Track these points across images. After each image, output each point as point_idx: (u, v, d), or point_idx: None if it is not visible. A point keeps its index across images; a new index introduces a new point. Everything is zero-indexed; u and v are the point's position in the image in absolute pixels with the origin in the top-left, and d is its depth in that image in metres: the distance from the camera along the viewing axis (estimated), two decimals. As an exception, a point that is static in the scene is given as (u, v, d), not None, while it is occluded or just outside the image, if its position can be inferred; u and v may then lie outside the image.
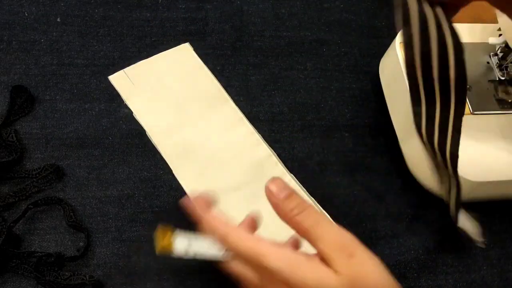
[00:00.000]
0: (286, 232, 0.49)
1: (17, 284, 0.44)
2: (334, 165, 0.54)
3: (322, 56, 0.61)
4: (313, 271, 0.30)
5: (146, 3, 0.60)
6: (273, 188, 0.32)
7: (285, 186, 0.32)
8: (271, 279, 0.31)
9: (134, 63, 0.56)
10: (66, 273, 0.44)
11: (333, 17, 0.63)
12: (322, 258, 0.31)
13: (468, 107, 0.51)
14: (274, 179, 0.33)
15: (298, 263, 0.30)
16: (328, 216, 0.50)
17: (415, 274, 0.49)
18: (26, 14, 0.57)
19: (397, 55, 0.52)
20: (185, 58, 0.57)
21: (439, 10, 0.27)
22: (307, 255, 0.31)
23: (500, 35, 0.52)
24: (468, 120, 0.50)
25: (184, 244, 0.36)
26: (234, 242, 0.32)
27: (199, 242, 0.36)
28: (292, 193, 0.32)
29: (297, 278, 0.29)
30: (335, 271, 0.30)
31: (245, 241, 0.32)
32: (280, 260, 0.30)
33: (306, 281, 0.29)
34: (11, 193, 0.47)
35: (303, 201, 0.32)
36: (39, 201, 0.47)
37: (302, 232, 0.31)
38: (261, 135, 0.54)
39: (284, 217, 0.32)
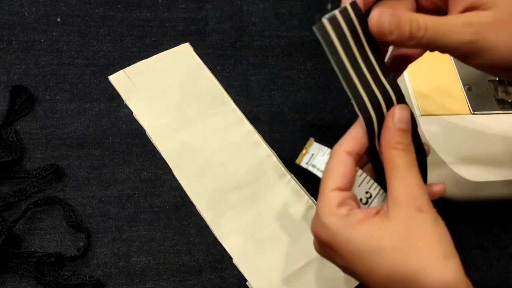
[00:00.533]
0: (285, 234, 0.49)
1: (17, 284, 0.44)
2: (334, 165, 0.54)
3: (322, 56, 0.60)
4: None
5: (146, 3, 0.60)
6: (397, 114, 0.31)
7: (408, 121, 0.31)
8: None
9: (134, 63, 0.56)
10: (66, 273, 0.44)
11: (333, 17, 0.63)
12: (390, 201, 0.30)
13: (468, 107, 0.51)
14: (404, 108, 0.31)
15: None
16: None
17: (415, 274, 0.49)
18: (26, 14, 0.57)
19: (397, 55, 0.52)
20: (185, 58, 0.57)
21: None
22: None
23: (500, 35, 0.52)
24: (468, 120, 0.50)
25: (308, 157, 0.35)
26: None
27: (321, 157, 0.34)
28: (408, 130, 0.31)
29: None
30: (394, 220, 0.29)
31: None
32: None
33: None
34: (11, 193, 0.47)
35: (411, 143, 0.31)
36: (39, 201, 0.47)
37: (389, 166, 0.30)
38: (261, 135, 0.54)
39: (384, 143, 0.31)
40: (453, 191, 0.50)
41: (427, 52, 0.54)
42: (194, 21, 0.60)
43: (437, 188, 0.34)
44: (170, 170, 0.51)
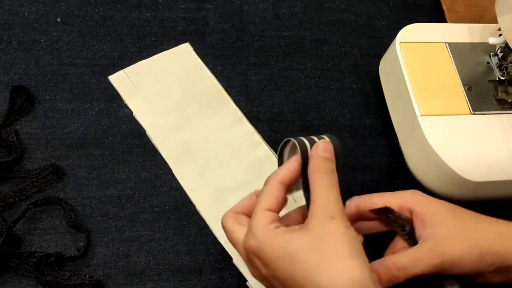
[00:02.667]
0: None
1: (17, 284, 0.44)
2: (334, 165, 0.54)
3: (322, 56, 0.61)
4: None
5: (146, 3, 0.60)
6: (321, 146, 0.37)
7: (331, 152, 0.37)
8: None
9: (134, 63, 0.56)
10: (66, 273, 0.44)
11: (333, 17, 0.63)
12: (309, 215, 0.35)
13: (468, 107, 0.51)
14: (328, 143, 0.37)
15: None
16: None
17: (415, 274, 0.49)
18: (26, 14, 0.57)
19: (397, 55, 0.52)
20: (185, 58, 0.57)
21: None
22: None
23: (500, 35, 0.52)
24: (468, 120, 0.50)
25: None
26: None
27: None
28: (331, 159, 0.36)
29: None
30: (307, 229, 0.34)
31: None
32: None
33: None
34: (11, 193, 0.47)
35: (334, 169, 0.36)
36: (39, 201, 0.47)
37: (313, 187, 0.35)
38: (261, 135, 0.54)
39: (311, 169, 0.36)
40: (453, 191, 0.50)
41: (427, 52, 0.54)
42: (194, 21, 0.60)
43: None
44: (170, 170, 0.51)
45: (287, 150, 0.39)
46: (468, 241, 0.38)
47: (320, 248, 0.32)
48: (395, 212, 0.40)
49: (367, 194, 0.42)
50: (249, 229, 0.35)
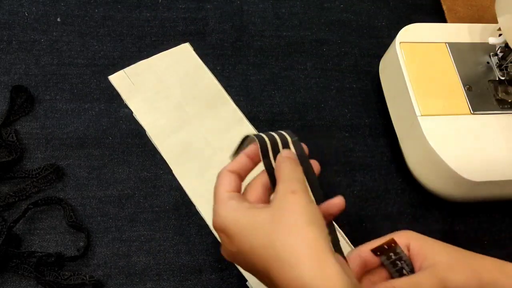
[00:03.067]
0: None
1: (17, 284, 0.44)
2: (334, 165, 0.54)
3: (322, 56, 0.61)
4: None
5: (146, 3, 0.60)
6: (286, 153, 0.38)
7: (297, 162, 0.38)
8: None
9: (134, 63, 0.56)
10: (66, 273, 0.44)
11: (333, 17, 0.63)
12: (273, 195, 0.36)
13: (468, 107, 0.51)
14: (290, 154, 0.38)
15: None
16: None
17: (415, 274, 0.49)
18: (26, 14, 0.57)
19: (397, 55, 0.52)
20: (185, 58, 0.57)
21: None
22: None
23: (500, 35, 0.52)
24: (468, 120, 0.50)
25: None
26: None
27: None
28: (297, 162, 0.38)
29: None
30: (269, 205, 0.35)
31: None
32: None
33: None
34: (11, 193, 0.47)
35: (298, 162, 0.38)
36: (39, 201, 0.47)
37: (278, 173, 0.36)
38: (261, 135, 0.54)
39: (278, 159, 0.37)
40: (452, 191, 0.50)
41: (427, 52, 0.54)
42: (194, 21, 0.60)
43: (336, 200, 0.39)
44: (170, 170, 0.51)
45: (244, 145, 0.40)
46: (469, 270, 0.38)
47: (279, 218, 0.33)
48: (398, 247, 0.40)
49: (365, 243, 0.41)
50: (214, 211, 0.36)
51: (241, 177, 0.38)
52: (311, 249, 0.31)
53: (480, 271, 0.38)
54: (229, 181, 0.37)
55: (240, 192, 0.38)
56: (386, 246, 0.40)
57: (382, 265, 0.41)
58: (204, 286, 0.46)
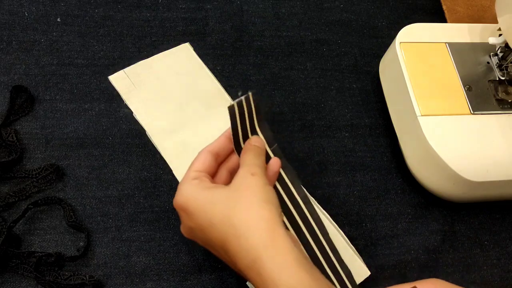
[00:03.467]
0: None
1: (17, 284, 0.44)
2: (334, 165, 0.54)
3: (322, 56, 0.61)
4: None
5: (146, 3, 0.60)
6: (254, 140, 0.42)
7: (262, 143, 0.42)
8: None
9: (134, 63, 0.56)
10: (66, 273, 0.44)
11: (333, 17, 0.63)
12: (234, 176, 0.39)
13: (468, 107, 0.51)
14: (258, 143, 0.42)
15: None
16: (328, 217, 0.50)
17: (415, 274, 0.49)
18: (26, 14, 0.57)
19: (397, 55, 0.52)
20: (185, 58, 0.57)
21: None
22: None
23: (500, 35, 0.52)
24: (468, 120, 0.50)
25: None
26: None
27: None
28: (262, 147, 0.41)
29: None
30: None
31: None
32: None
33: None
34: (11, 193, 0.47)
35: (263, 151, 0.41)
36: (39, 201, 0.47)
37: (242, 159, 0.40)
38: (261, 135, 0.54)
39: (245, 145, 0.41)
40: (452, 191, 0.50)
41: (427, 52, 0.54)
42: (194, 21, 0.60)
43: (272, 162, 0.42)
44: (170, 170, 0.51)
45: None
46: None
47: (238, 195, 0.36)
48: None
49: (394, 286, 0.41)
50: (177, 190, 0.39)
51: (220, 157, 0.41)
52: (265, 223, 0.34)
53: None
54: (203, 161, 0.39)
55: (213, 172, 0.41)
56: None
57: None
58: (204, 286, 0.46)
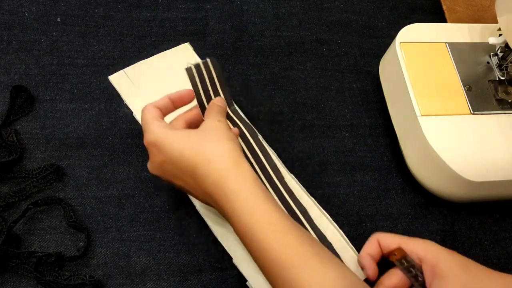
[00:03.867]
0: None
1: (17, 284, 0.44)
2: (334, 165, 0.54)
3: (322, 56, 0.61)
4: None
5: (146, 3, 0.60)
6: (218, 101, 0.48)
7: (224, 102, 0.48)
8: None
9: (134, 63, 0.56)
10: (66, 273, 0.44)
11: (333, 17, 0.63)
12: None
13: (468, 107, 0.51)
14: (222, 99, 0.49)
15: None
16: (328, 217, 0.50)
17: (415, 274, 0.49)
18: (26, 14, 0.57)
19: (397, 55, 0.52)
20: (185, 58, 0.57)
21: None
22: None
23: (500, 35, 0.52)
24: (468, 120, 0.50)
25: None
26: None
27: None
28: (224, 105, 0.48)
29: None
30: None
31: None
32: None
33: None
34: (11, 193, 0.47)
35: (225, 109, 0.48)
36: (39, 201, 0.47)
37: (207, 112, 0.46)
38: (261, 135, 0.54)
39: (211, 102, 0.48)
40: (452, 191, 0.50)
41: (427, 52, 0.54)
42: (194, 21, 0.60)
43: (183, 92, 0.47)
44: (170, 170, 0.51)
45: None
46: None
47: (206, 134, 0.42)
48: (408, 257, 0.43)
49: (387, 233, 0.45)
50: (145, 130, 0.43)
51: (162, 114, 0.46)
52: (231, 152, 0.41)
53: None
54: (154, 111, 0.44)
55: (169, 110, 0.47)
56: (395, 253, 0.43)
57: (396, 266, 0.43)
58: (204, 286, 0.46)
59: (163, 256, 0.47)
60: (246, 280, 0.46)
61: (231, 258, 0.47)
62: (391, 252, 0.43)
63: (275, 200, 0.44)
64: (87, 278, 0.44)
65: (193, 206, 0.49)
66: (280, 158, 0.52)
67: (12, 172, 0.48)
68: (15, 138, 0.49)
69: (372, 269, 0.44)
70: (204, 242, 0.48)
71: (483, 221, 0.53)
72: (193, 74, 0.47)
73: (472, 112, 0.50)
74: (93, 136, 0.52)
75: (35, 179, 0.48)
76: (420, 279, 0.42)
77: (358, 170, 0.54)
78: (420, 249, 0.43)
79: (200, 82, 0.47)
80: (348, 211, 0.52)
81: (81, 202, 0.48)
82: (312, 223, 0.48)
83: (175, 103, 0.47)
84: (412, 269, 0.42)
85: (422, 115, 0.49)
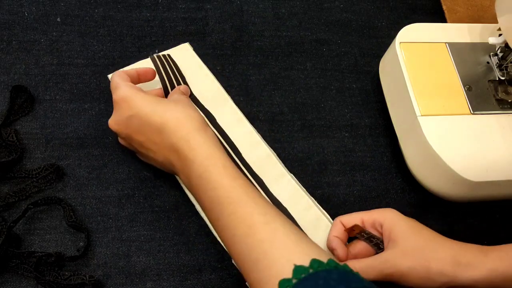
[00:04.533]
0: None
1: (17, 284, 0.44)
2: (334, 165, 0.54)
3: (322, 56, 0.61)
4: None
5: (146, 3, 0.60)
6: (182, 87, 0.54)
7: (187, 89, 0.54)
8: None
9: (134, 63, 0.56)
10: (66, 273, 0.44)
11: (333, 17, 0.63)
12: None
13: (468, 107, 0.51)
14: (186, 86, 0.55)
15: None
16: (329, 217, 0.50)
17: (415, 274, 0.49)
18: (26, 14, 0.57)
19: (397, 55, 0.52)
20: (185, 58, 0.57)
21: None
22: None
23: (500, 35, 0.52)
24: (468, 120, 0.50)
25: None
26: None
27: None
28: (187, 90, 0.54)
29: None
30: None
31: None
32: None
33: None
34: (11, 193, 0.47)
35: (187, 93, 0.54)
36: (39, 201, 0.47)
37: (171, 96, 0.52)
38: (261, 135, 0.54)
39: (175, 89, 0.53)
40: (452, 191, 0.50)
41: (427, 52, 0.54)
42: (194, 21, 0.60)
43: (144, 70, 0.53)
44: (170, 170, 0.51)
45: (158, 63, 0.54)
46: (419, 259, 0.44)
47: (177, 102, 0.47)
48: (366, 230, 0.47)
49: (348, 213, 0.49)
50: (115, 87, 0.47)
51: (140, 76, 0.51)
52: (198, 117, 0.45)
53: (431, 260, 0.43)
54: (125, 76, 0.49)
55: (137, 78, 0.52)
56: (353, 229, 0.47)
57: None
58: (204, 286, 0.46)
59: (163, 256, 0.47)
60: (245, 280, 0.46)
61: (230, 258, 0.47)
62: (351, 229, 0.47)
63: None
64: (87, 278, 0.44)
65: (193, 206, 0.49)
66: (280, 158, 0.52)
67: (12, 172, 0.48)
68: (15, 138, 0.49)
69: (341, 249, 0.46)
70: (204, 242, 0.48)
71: (483, 221, 0.53)
72: (156, 62, 0.53)
73: (472, 112, 0.50)
74: (93, 136, 0.52)
75: (35, 179, 0.48)
76: (381, 247, 0.46)
77: (358, 170, 0.54)
78: (380, 216, 0.47)
79: (163, 69, 0.53)
80: (348, 211, 0.52)
81: (81, 202, 0.48)
82: (268, 191, 0.51)
83: (140, 76, 0.51)
84: (372, 239, 0.46)
85: (422, 115, 0.49)
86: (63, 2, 0.58)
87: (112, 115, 0.48)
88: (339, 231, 0.47)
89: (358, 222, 0.47)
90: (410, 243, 0.44)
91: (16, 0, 0.57)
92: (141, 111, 0.45)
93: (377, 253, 0.46)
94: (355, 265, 0.45)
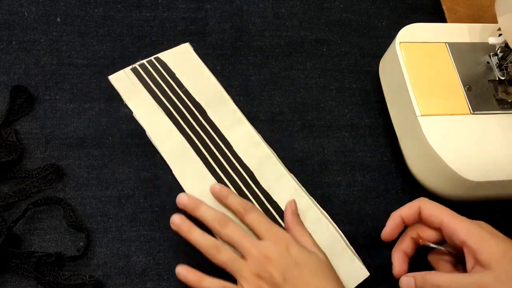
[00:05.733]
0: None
1: (17, 284, 0.44)
2: (334, 165, 0.54)
3: (322, 56, 0.61)
4: None
5: (146, 3, 0.60)
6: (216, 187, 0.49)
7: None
8: None
9: (134, 63, 0.56)
10: (66, 273, 0.44)
11: (333, 17, 0.63)
12: None
13: (468, 107, 0.51)
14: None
15: None
16: (328, 217, 0.50)
17: (415, 274, 0.49)
18: (26, 14, 0.57)
19: (397, 55, 0.52)
20: (185, 58, 0.57)
21: None
22: None
23: (500, 35, 0.52)
24: (468, 120, 0.50)
25: None
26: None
27: None
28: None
29: None
30: None
31: None
32: None
33: None
34: (11, 193, 0.47)
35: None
36: (39, 201, 0.47)
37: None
38: (261, 135, 0.54)
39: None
40: (452, 191, 0.50)
41: (427, 52, 0.54)
42: (194, 21, 0.60)
43: None
44: (170, 170, 0.51)
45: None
46: None
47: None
48: (433, 246, 0.46)
49: (433, 203, 0.46)
50: None
51: None
52: None
53: None
54: None
55: None
56: (420, 240, 0.46)
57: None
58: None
59: (163, 256, 0.47)
60: None
61: (231, 258, 0.47)
62: (417, 238, 0.46)
63: None
64: (87, 278, 0.44)
65: (193, 206, 0.49)
66: (280, 158, 0.52)
67: (12, 172, 0.48)
68: (15, 138, 0.49)
69: (399, 267, 0.45)
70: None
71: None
72: (140, 72, 0.54)
73: (472, 112, 0.50)
74: (93, 136, 0.52)
75: (35, 179, 0.48)
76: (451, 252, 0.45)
77: (358, 170, 0.54)
78: (463, 232, 0.43)
79: (150, 78, 0.54)
80: (348, 211, 0.52)
81: (81, 202, 0.48)
82: (255, 180, 0.51)
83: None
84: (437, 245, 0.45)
85: (422, 115, 0.49)
86: (63, 2, 0.58)
87: None
88: (410, 216, 0.46)
89: (437, 223, 0.45)
90: (506, 270, 0.40)
91: (16, 0, 0.57)
92: None
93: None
94: (440, 278, 0.42)
